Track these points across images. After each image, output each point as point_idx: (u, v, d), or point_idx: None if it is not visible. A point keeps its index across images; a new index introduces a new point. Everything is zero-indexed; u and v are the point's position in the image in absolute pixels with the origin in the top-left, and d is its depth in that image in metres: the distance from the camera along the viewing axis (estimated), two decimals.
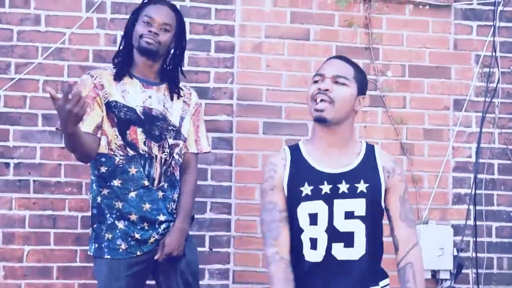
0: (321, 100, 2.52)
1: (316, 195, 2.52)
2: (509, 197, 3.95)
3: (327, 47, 3.85)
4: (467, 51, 3.95)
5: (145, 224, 2.98)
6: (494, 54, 3.78)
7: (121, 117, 2.96)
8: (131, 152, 2.96)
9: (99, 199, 3.02)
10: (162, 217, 3.03)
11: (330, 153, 2.57)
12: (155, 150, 3.00)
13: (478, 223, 3.75)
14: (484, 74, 3.90)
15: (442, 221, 3.87)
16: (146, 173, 2.98)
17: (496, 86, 3.84)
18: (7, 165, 3.63)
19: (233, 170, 3.77)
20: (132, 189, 2.98)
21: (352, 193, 2.53)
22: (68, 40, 3.67)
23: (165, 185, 3.03)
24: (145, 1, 3.12)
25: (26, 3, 3.68)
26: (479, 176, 3.81)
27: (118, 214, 2.99)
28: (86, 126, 2.91)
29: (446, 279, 3.78)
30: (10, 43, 3.66)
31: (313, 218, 2.51)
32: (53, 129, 3.54)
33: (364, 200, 2.53)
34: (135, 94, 3.00)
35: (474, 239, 3.71)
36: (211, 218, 3.74)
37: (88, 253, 3.08)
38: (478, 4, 3.95)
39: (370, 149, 2.63)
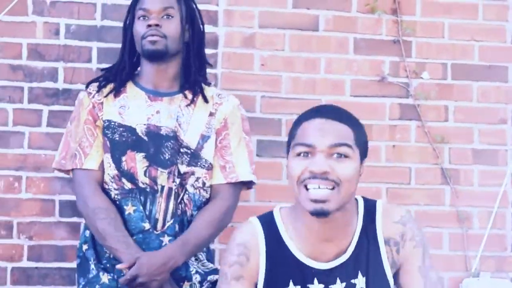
0: (319, 188, 2.11)
1: None
2: None
3: (343, 40, 3.50)
4: None
5: None
6: None
7: (115, 140, 2.70)
8: (127, 185, 2.70)
9: (84, 247, 2.75)
10: None
11: (319, 236, 2.20)
12: (162, 180, 2.69)
13: None
14: None
15: (499, 273, 3.54)
16: (147, 212, 2.69)
17: None
18: None
19: None
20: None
21: None
22: None
23: (176, 227, 2.70)
24: None
25: None
26: None
27: (107, 265, 2.69)
28: (90, 161, 2.69)
29: None
30: None
31: None
32: None
33: None
34: (137, 109, 2.74)
35: None
36: None
37: None
38: None
39: (369, 214, 2.25)
